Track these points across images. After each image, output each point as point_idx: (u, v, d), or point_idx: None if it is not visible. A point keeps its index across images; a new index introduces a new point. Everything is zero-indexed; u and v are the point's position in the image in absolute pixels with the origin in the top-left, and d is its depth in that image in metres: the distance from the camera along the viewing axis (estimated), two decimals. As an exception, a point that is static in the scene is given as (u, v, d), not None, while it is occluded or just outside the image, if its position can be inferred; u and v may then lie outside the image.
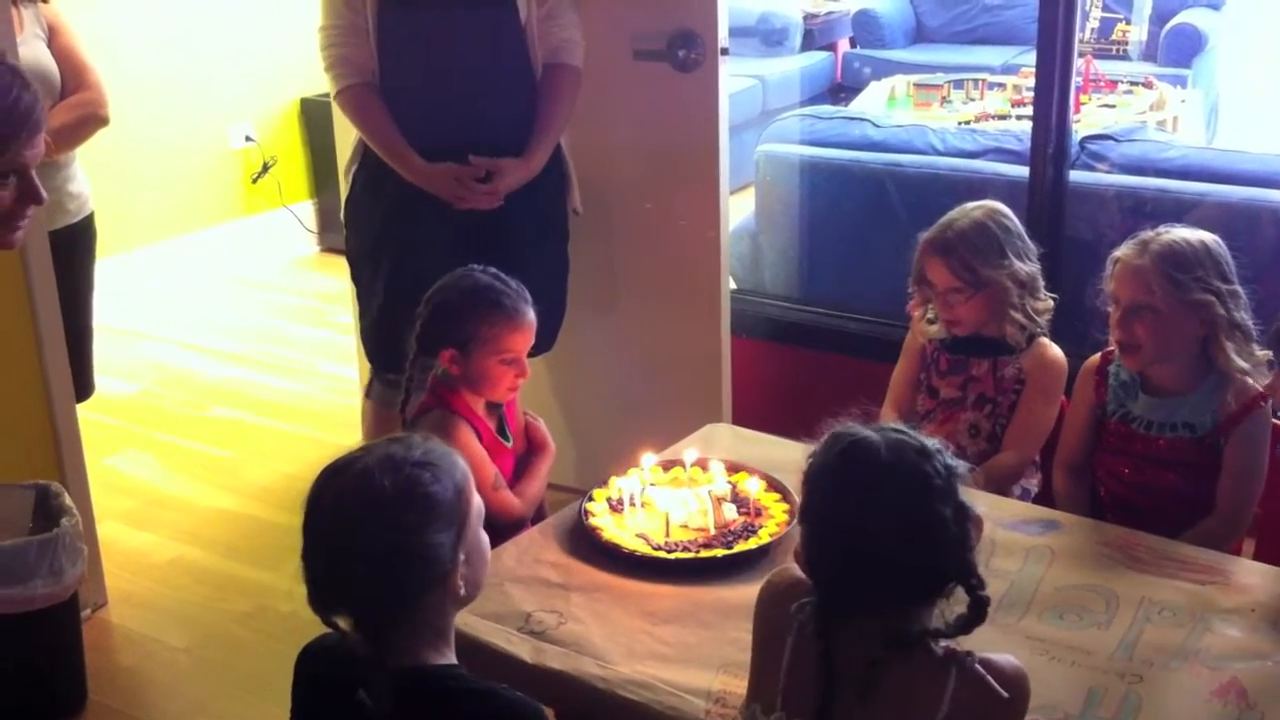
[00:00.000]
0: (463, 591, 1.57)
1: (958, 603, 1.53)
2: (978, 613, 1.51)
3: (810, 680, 1.52)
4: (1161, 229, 2.35)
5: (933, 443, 1.53)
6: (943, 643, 1.52)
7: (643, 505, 2.27)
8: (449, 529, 1.54)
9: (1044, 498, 2.59)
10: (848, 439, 1.53)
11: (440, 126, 2.88)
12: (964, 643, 1.54)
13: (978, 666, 1.50)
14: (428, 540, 1.52)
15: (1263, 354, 2.32)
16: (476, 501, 1.62)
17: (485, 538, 1.65)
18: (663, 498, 2.27)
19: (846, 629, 1.51)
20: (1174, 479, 2.38)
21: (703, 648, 1.91)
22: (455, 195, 2.86)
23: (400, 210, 2.94)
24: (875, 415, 2.34)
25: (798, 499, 2.19)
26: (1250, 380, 2.30)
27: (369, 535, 1.50)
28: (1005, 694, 1.50)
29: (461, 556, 1.56)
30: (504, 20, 2.92)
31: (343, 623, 1.55)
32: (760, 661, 1.64)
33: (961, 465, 1.54)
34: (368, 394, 3.24)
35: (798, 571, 1.62)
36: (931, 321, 2.65)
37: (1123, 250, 2.36)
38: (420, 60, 2.90)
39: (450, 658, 1.60)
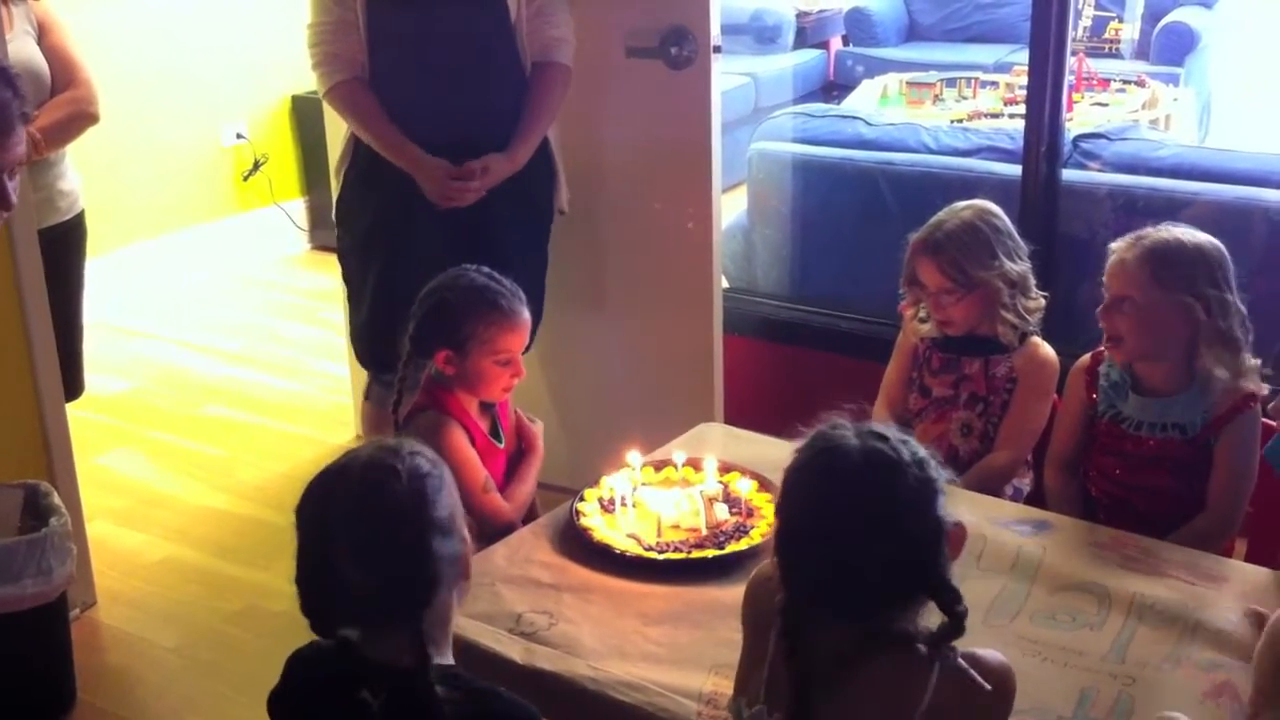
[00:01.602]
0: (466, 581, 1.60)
1: (939, 612, 1.52)
2: (955, 628, 1.50)
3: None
4: (1164, 226, 2.35)
5: (911, 454, 1.51)
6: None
7: (634, 505, 2.27)
8: (459, 516, 1.57)
9: (1036, 497, 2.58)
10: (824, 443, 1.53)
11: (430, 125, 2.88)
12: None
13: (960, 661, 1.50)
14: (448, 528, 1.54)
15: (1253, 362, 2.32)
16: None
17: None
18: (654, 498, 2.27)
19: (813, 629, 1.51)
20: (1166, 479, 2.37)
21: (694, 649, 1.90)
22: (443, 195, 2.85)
23: (391, 209, 2.94)
24: (868, 414, 2.33)
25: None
26: (1241, 382, 2.30)
27: (398, 529, 1.51)
28: (988, 686, 1.50)
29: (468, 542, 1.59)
30: (494, 19, 2.91)
31: (349, 634, 1.53)
32: (747, 654, 1.64)
33: (941, 477, 1.52)
34: (367, 396, 3.24)
35: None
36: (923, 320, 2.65)
37: (1119, 242, 2.37)
38: (410, 58, 2.89)
39: (449, 658, 1.60)
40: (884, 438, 1.52)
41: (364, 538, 1.52)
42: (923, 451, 1.52)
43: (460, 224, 2.88)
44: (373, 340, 3.04)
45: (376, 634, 1.53)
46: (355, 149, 3.00)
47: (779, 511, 1.57)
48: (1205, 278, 2.28)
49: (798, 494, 1.53)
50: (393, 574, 1.51)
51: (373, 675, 1.50)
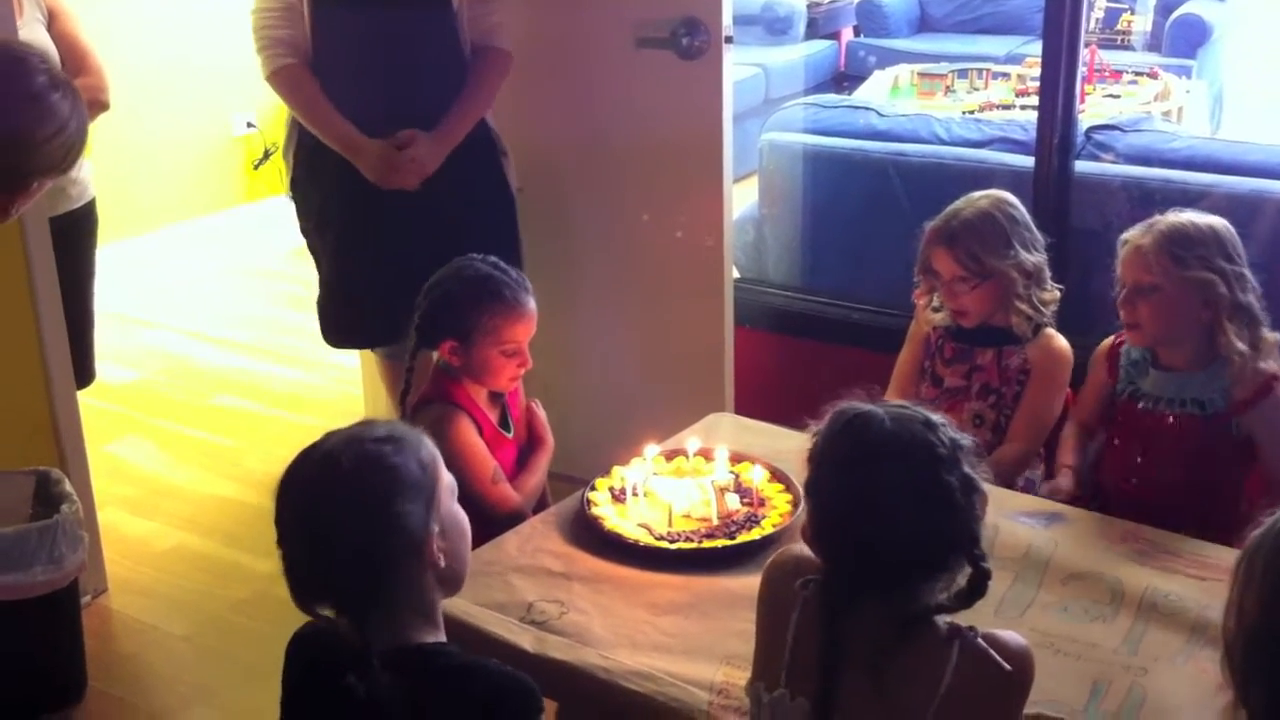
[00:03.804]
0: (442, 563, 1.58)
1: (959, 579, 1.54)
2: (978, 585, 1.52)
3: (814, 657, 1.52)
4: (1171, 212, 2.37)
5: (937, 416, 1.55)
6: (946, 620, 1.53)
7: (645, 495, 2.26)
8: (417, 500, 1.55)
9: (1048, 489, 2.58)
10: (851, 413, 1.54)
11: (371, 112, 2.90)
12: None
13: (980, 641, 1.51)
14: (396, 511, 1.53)
15: (1272, 336, 2.33)
16: (447, 477, 1.63)
17: (461, 512, 1.66)
18: (665, 488, 2.27)
19: (853, 608, 1.51)
20: (1180, 466, 2.37)
21: (705, 639, 1.90)
22: (382, 176, 2.87)
23: (338, 189, 2.98)
24: (879, 398, 2.33)
25: (801, 488, 2.20)
26: (1259, 363, 2.31)
27: (336, 513, 1.53)
28: (1008, 667, 1.50)
29: (435, 528, 1.57)
30: (437, 10, 2.93)
31: (326, 612, 1.56)
32: (764, 640, 1.64)
33: (967, 439, 1.55)
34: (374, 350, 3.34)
35: (802, 550, 1.63)
36: (937, 309, 2.64)
37: (1131, 232, 2.38)
38: (353, 46, 2.92)
39: (440, 638, 1.61)
40: (905, 405, 1.55)
41: (299, 530, 1.55)
42: (943, 417, 1.55)
43: (407, 209, 2.91)
44: (328, 321, 3.16)
45: (358, 615, 1.54)
46: (300, 132, 3.02)
47: (812, 491, 1.57)
48: (1221, 254, 2.30)
49: (832, 466, 1.54)
50: (326, 566, 1.54)
51: (357, 660, 1.51)
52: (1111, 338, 2.50)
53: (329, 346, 3.30)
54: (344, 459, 1.54)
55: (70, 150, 2.12)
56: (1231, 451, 2.37)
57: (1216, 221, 2.34)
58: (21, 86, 2.07)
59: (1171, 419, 2.37)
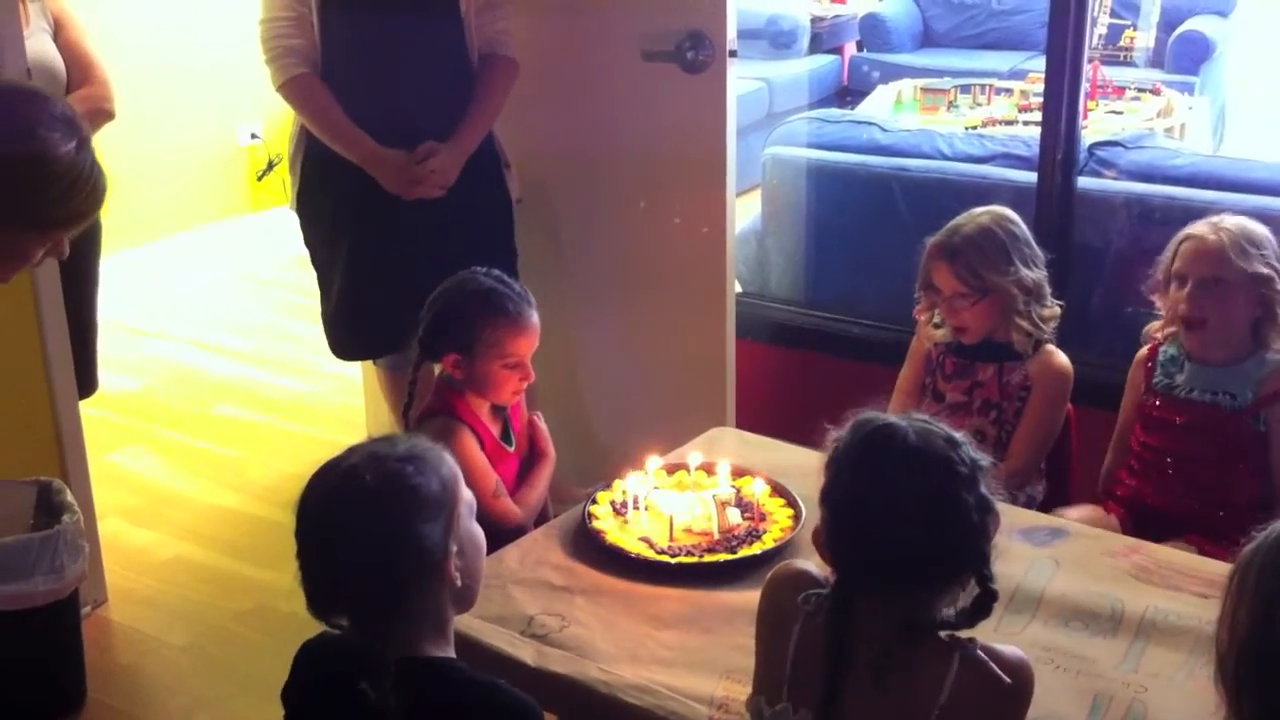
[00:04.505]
0: (459, 582, 1.58)
1: (964, 597, 1.54)
2: (983, 605, 1.52)
3: (816, 670, 1.53)
4: (1223, 215, 2.46)
5: (960, 434, 1.55)
6: (947, 632, 1.53)
7: (647, 509, 2.26)
8: (437, 519, 1.56)
9: (1049, 505, 2.58)
10: (876, 422, 1.55)
11: (381, 120, 2.91)
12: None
13: (979, 653, 1.51)
14: (416, 531, 1.54)
15: None
16: (466, 494, 1.64)
17: (478, 530, 1.66)
18: (667, 501, 2.26)
19: (859, 616, 1.52)
20: (1200, 465, 2.41)
21: (706, 653, 1.90)
22: (403, 185, 2.88)
23: (349, 203, 2.99)
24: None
25: (802, 503, 2.20)
26: None
27: (357, 530, 1.53)
28: (1007, 680, 1.50)
29: (454, 547, 1.58)
30: (445, 14, 2.95)
31: (342, 622, 1.57)
32: (765, 653, 1.64)
33: (986, 460, 1.55)
34: (375, 361, 3.32)
35: (803, 564, 1.63)
36: (938, 325, 2.65)
37: (1194, 229, 2.44)
38: (362, 54, 2.93)
39: (449, 653, 1.61)
40: (929, 420, 1.55)
41: (320, 546, 1.56)
42: (964, 435, 1.55)
43: (418, 217, 2.92)
44: (341, 332, 3.17)
45: (373, 629, 1.55)
46: (309, 141, 3.02)
47: (828, 496, 1.57)
48: (1276, 254, 2.40)
49: (852, 474, 1.54)
50: (344, 582, 1.54)
51: (371, 669, 1.51)
52: (1145, 348, 2.55)
53: (334, 358, 3.30)
54: (367, 477, 1.54)
55: (73, 189, 2.07)
56: (1250, 447, 2.41)
57: (1264, 227, 2.44)
58: (37, 112, 2.05)
59: (1201, 405, 2.43)
